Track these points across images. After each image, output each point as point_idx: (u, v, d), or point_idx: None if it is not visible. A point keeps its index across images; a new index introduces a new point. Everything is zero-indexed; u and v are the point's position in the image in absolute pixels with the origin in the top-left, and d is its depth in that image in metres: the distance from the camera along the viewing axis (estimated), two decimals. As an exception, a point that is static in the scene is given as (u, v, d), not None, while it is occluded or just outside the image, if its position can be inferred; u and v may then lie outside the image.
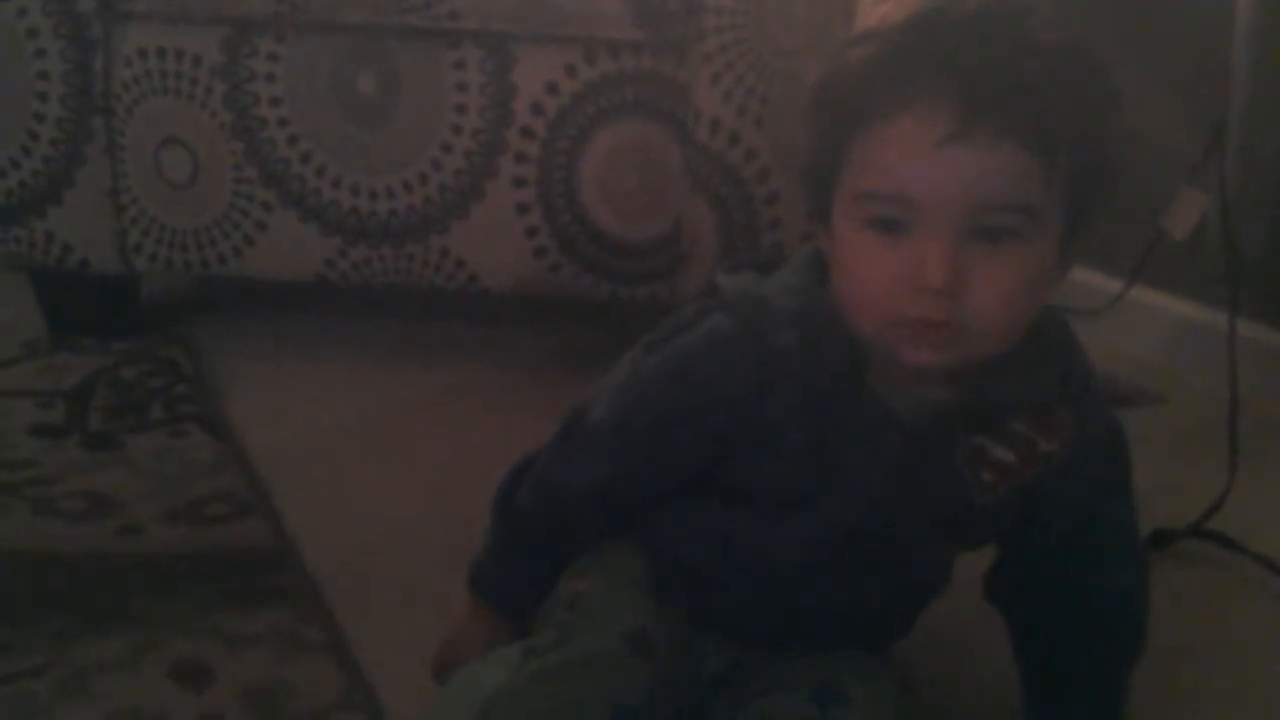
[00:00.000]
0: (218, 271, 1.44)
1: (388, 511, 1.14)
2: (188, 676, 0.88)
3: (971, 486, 0.76)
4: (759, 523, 0.79)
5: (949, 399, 0.74)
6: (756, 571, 0.80)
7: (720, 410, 0.76)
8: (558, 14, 1.32)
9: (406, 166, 1.38)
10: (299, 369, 1.45)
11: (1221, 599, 1.09)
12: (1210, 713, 0.94)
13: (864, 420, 0.75)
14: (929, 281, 0.66)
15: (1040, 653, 0.86)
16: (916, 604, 0.85)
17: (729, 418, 0.76)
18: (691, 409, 0.77)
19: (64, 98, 1.38)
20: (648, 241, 1.39)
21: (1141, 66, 1.51)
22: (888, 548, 0.79)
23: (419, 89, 1.36)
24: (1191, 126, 1.48)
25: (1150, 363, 1.55)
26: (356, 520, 1.12)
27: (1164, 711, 0.92)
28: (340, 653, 0.92)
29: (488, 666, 0.75)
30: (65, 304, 1.51)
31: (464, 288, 1.43)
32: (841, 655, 0.81)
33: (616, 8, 1.31)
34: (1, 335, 1.47)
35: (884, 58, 0.68)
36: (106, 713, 0.85)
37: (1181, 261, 1.52)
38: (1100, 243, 1.68)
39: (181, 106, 1.38)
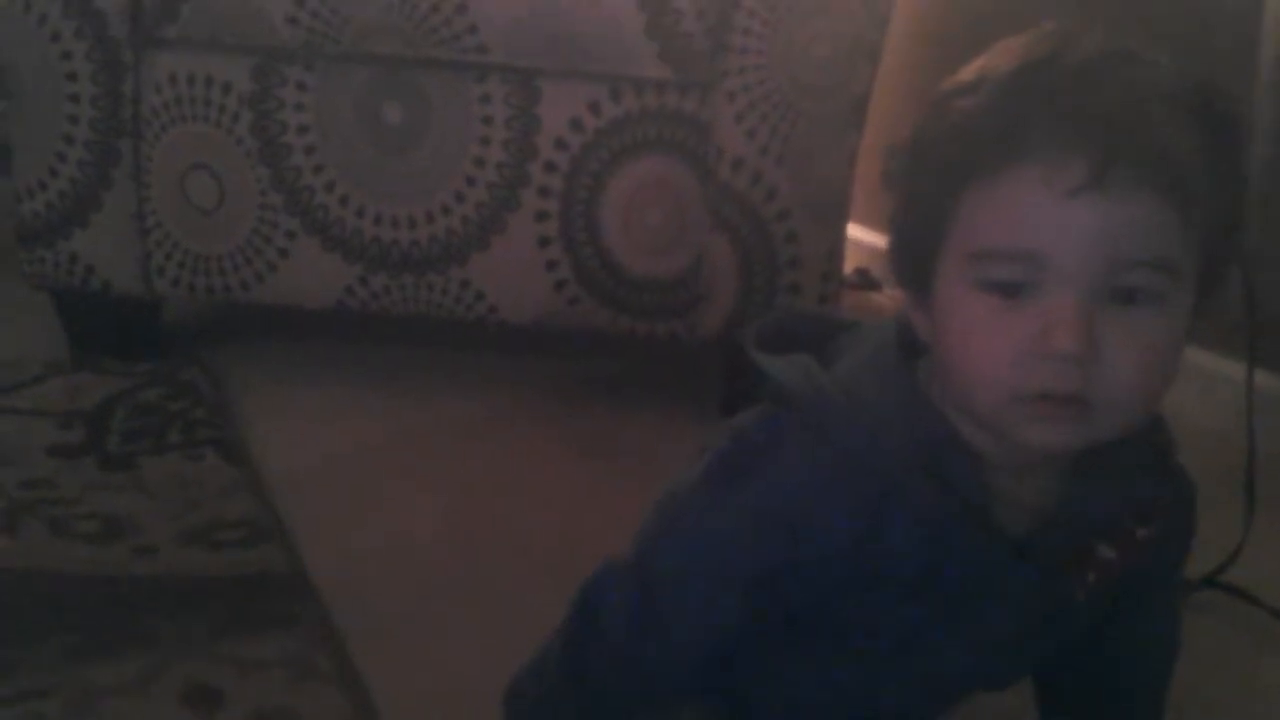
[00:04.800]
0: (240, 297, 1.45)
1: (401, 539, 1.14)
2: (198, 701, 0.88)
3: (1076, 589, 0.69)
4: (868, 667, 0.72)
5: (1057, 495, 0.68)
6: (860, 716, 0.74)
7: (824, 561, 0.66)
8: (584, 51, 1.33)
9: (429, 197, 1.39)
10: (317, 395, 1.45)
11: (1236, 651, 1.08)
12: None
13: (983, 552, 0.67)
14: (1059, 347, 0.58)
15: (1068, 705, 0.83)
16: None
17: (833, 567, 0.66)
18: (794, 561, 0.67)
19: (93, 121, 1.40)
20: (667, 277, 1.40)
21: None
22: (993, 672, 0.75)
23: (444, 120, 1.37)
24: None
25: (1167, 412, 1.54)
26: (370, 547, 1.12)
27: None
28: (349, 680, 0.92)
29: None
30: (88, 325, 1.52)
31: (483, 319, 1.43)
32: None
33: (643, 46, 1.32)
34: (24, 355, 1.48)
35: (996, 107, 0.61)
36: (115, 735, 0.85)
37: (1199, 311, 1.52)
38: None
39: (209, 133, 1.40)
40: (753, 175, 1.34)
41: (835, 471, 0.65)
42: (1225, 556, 1.16)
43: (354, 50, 1.35)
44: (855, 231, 1.77)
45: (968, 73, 0.64)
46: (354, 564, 1.09)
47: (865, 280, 1.95)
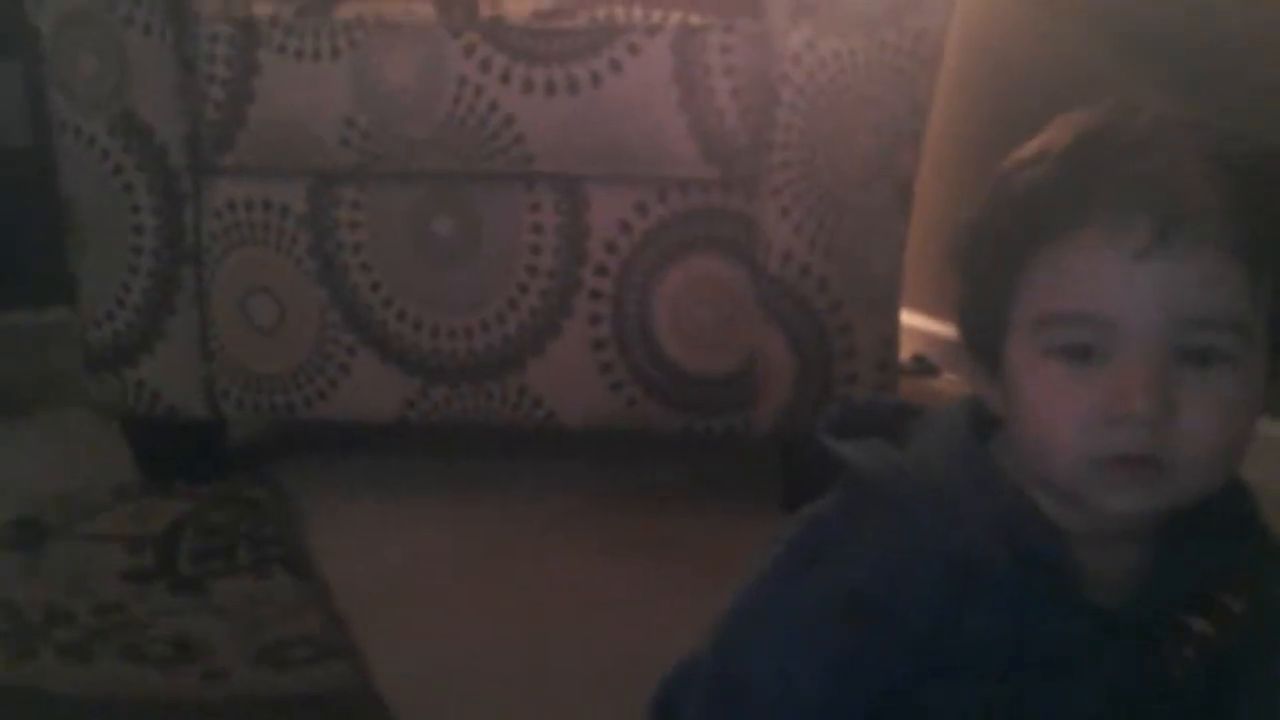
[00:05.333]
0: (304, 415, 1.47)
1: (473, 653, 1.14)
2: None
3: (1172, 667, 0.68)
4: None
5: (1138, 567, 0.67)
6: None
7: (910, 643, 0.66)
8: (629, 155, 1.35)
9: (484, 307, 1.41)
10: (382, 508, 1.46)
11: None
12: None
13: (1072, 627, 0.66)
14: (1132, 409, 0.59)
15: None
16: None
17: (919, 649, 0.66)
18: (878, 649, 0.66)
19: (156, 250, 1.44)
20: (722, 374, 1.40)
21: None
22: None
23: (495, 231, 1.39)
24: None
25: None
26: (438, 660, 1.12)
27: None
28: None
29: None
30: (155, 449, 1.54)
31: (543, 423, 1.44)
32: None
33: (686, 147, 1.34)
34: (92, 481, 1.51)
35: (1058, 176, 0.62)
36: None
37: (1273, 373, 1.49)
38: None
39: (268, 256, 1.43)
40: (801, 268, 1.35)
41: (915, 549, 0.65)
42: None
43: (405, 168, 1.38)
44: (910, 318, 1.77)
45: (1029, 149, 0.66)
46: (423, 678, 1.09)
47: (923, 366, 1.94)
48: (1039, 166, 0.64)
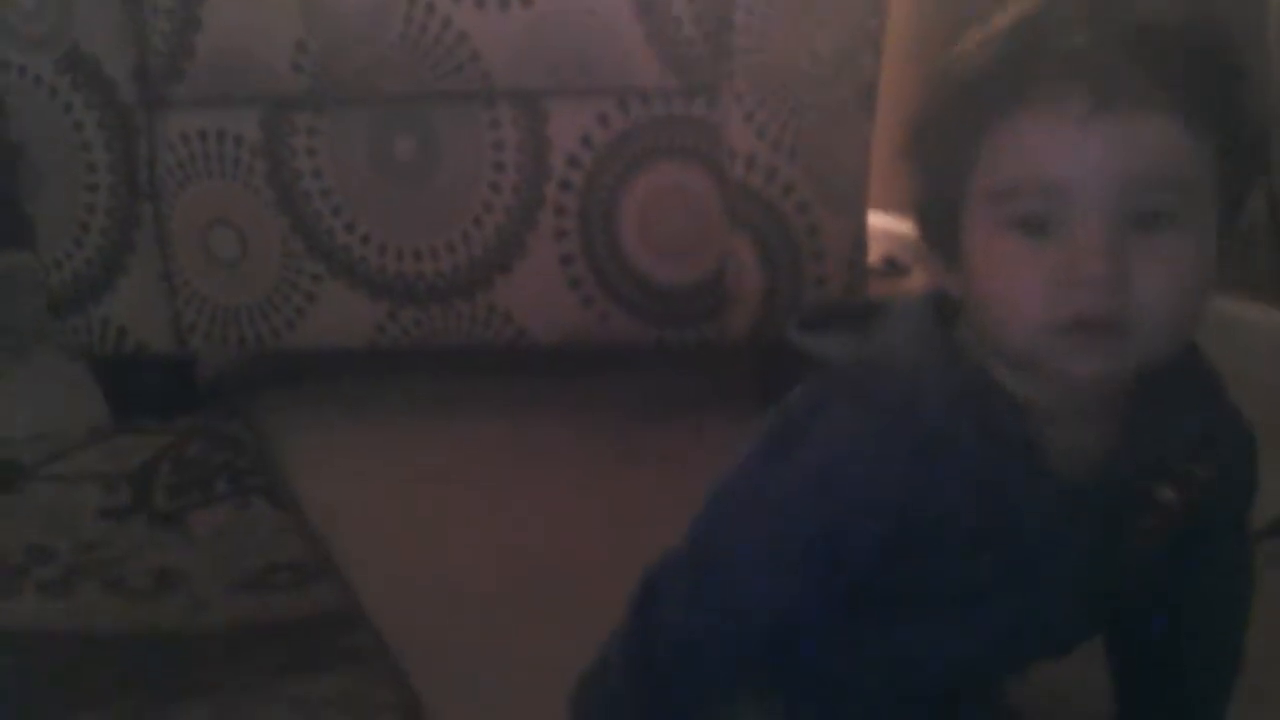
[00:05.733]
0: (272, 345, 1.46)
1: (454, 568, 1.14)
2: (265, 744, 0.89)
3: (1137, 533, 0.70)
4: (932, 630, 0.71)
5: (1107, 443, 0.68)
6: (928, 682, 0.74)
7: (882, 518, 0.67)
8: (587, 67, 1.33)
9: (449, 227, 1.40)
10: (358, 433, 1.46)
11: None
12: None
13: (1039, 497, 0.67)
14: (1088, 272, 0.60)
15: (1140, 669, 0.82)
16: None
17: (892, 524, 0.67)
18: (849, 524, 0.67)
19: (112, 187, 1.41)
20: (693, 283, 1.40)
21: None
22: (1059, 630, 0.74)
23: (456, 151, 1.38)
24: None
25: (1221, 364, 1.52)
26: (427, 579, 1.12)
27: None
28: (413, 713, 0.92)
29: None
30: (126, 388, 1.53)
31: (514, 342, 1.44)
32: None
33: (644, 56, 1.32)
34: (65, 423, 1.50)
35: (999, 58, 0.63)
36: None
37: (1236, 259, 1.50)
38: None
39: (226, 187, 1.41)
40: (767, 172, 1.34)
41: (883, 427, 0.66)
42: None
43: (360, 91, 1.36)
44: (879, 219, 1.76)
45: (968, 39, 0.66)
46: (410, 596, 1.09)
47: (894, 267, 1.94)
48: (979, 52, 0.65)
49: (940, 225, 0.68)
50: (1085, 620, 0.76)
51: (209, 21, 1.35)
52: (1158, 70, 0.61)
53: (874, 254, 1.62)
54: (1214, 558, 0.78)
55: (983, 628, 0.71)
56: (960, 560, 0.68)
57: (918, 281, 1.86)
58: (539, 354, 1.48)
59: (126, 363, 1.50)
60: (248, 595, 1.09)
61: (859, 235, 1.41)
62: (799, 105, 1.33)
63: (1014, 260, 0.63)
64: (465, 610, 1.07)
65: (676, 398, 1.52)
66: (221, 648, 1.01)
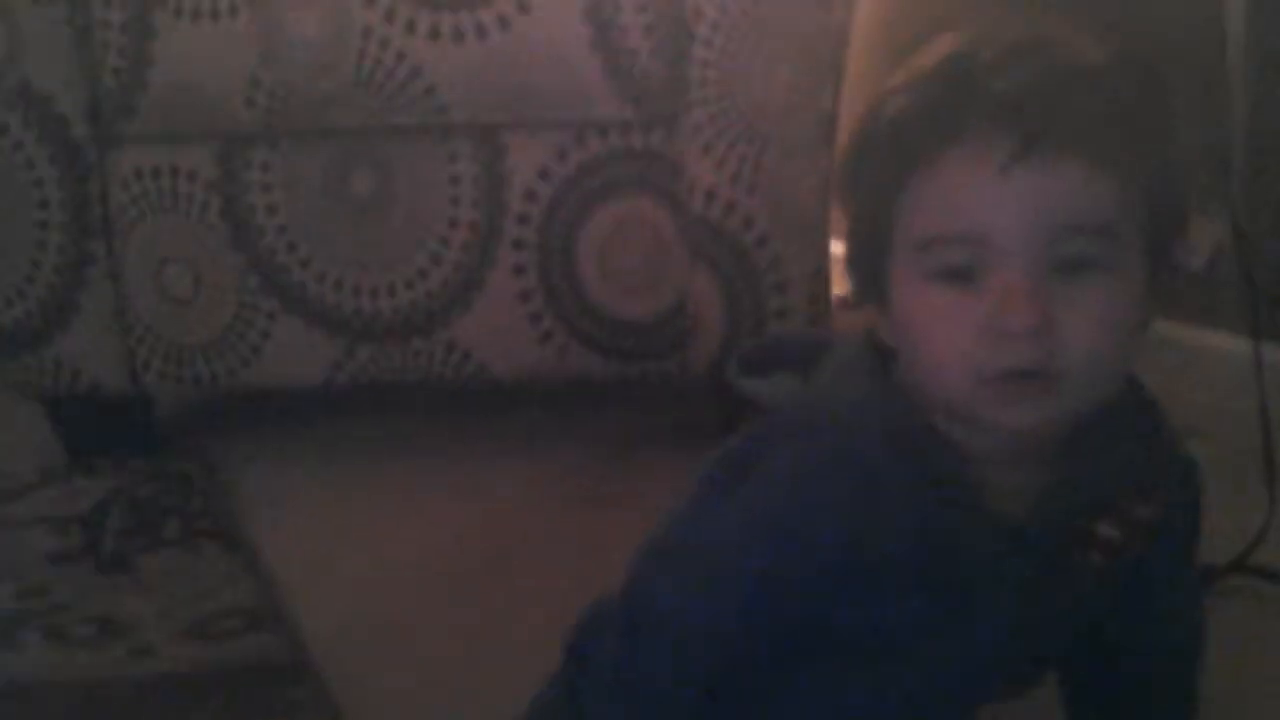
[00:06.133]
0: (227, 384, 1.44)
1: (408, 618, 1.12)
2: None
3: (1080, 573, 0.69)
4: (877, 678, 0.70)
5: (1046, 482, 0.67)
6: None
7: (823, 563, 0.65)
8: (544, 100, 1.32)
9: (406, 263, 1.38)
10: (317, 475, 1.43)
11: (1270, 636, 1.05)
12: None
13: (979, 538, 0.66)
14: (1014, 324, 0.60)
15: (1094, 710, 0.81)
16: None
17: (833, 569, 0.66)
18: (790, 569, 0.66)
19: (64, 225, 1.39)
20: (653, 317, 1.38)
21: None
22: (1011, 670, 0.73)
23: (413, 185, 1.36)
24: (1199, 151, 1.46)
25: (1182, 398, 1.51)
26: (376, 628, 1.10)
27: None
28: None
29: None
30: (81, 428, 1.50)
31: (473, 379, 1.42)
32: None
33: (601, 89, 1.31)
34: (18, 462, 1.47)
35: (925, 99, 0.63)
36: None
37: (1203, 291, 1.49)
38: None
39: (180, 223, 1.39)
40: (726, 205, 1.33)
41: (823, 469, 0.65)
42: (1252, 539, 1.13)
43: (315, 125, 1.35)
44: (841, 250, 1.75)
45: (898, 75, 0.66)
46: (358, 645, 1.07)
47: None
48: (907, 92, 0.64)
49: (868, 271, 0.67)
50: (1034, 662, 0.74)
51: (161, 57, 1.34)
52: (1082, 116, 0.60)
53: (837, 285, 1.61)
54: (1162, 596, 0.76)
55: (928, 671, 0.69)
56: (902, 603, 0.67)
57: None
58: (499, 391, 1.45)
59: (80, 402, 1.47)
60: (192, 643, 1.06)
61: (821, 267, 1.39)
62: (758, 138, 1.32)
63: (939, 312, 0.62)
64: (413, 660, 1.05)
65: (636, 434, 1.50)
66: (164, 698, 0.99)
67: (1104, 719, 0.81)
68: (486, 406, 1.55)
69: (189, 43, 1.33)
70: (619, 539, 1.20)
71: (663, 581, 0.69)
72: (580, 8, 1.28)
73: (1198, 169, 1.44)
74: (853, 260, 0.69)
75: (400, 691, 1.00)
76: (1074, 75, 0.61)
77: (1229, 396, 1.44)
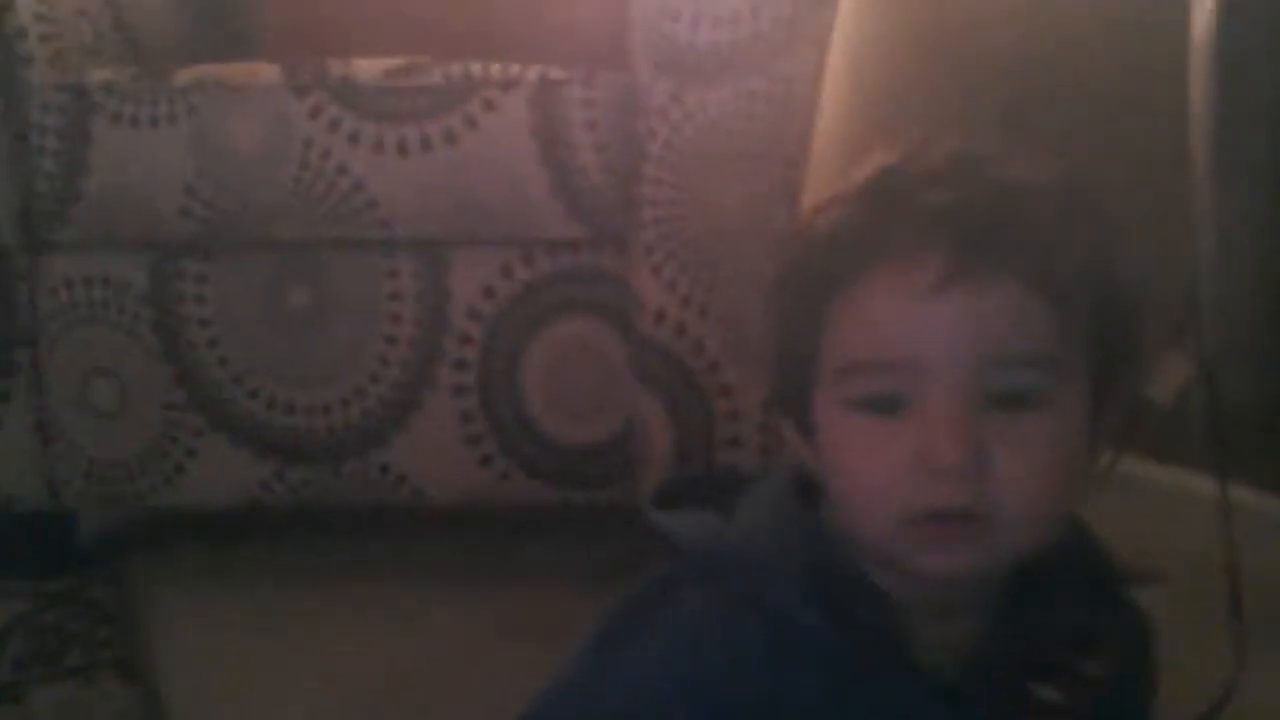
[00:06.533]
0: (151, 503, 1.37)
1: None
2: None
3: None
4: None
5: (973, 633, 0.62)
6: None
7: (731, 715, 0.60)
8: (490, 217, 1.28)
9: (342, 381, 1.32)
10: (238, 603, 1.35)
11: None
12: None
13: (905, 698, 0.61)
14: (941, 459, 0.55)
15: None
16: None
17: None
18: None
19: (-13, 333, 1.34)
20: (598, 443, 1.32)
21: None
22: None
23: (352, 300, 1.31)
24: (1168, 288, 1.43)
25: (1148, 539, 1.45)
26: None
27: None
28: None
29: None
30: (-4, 546, 1.43)
31: (409, 503, 1.35)
32: None
33: (550, 207, 1.27)
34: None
35: (853, 216, 0.59)
36: None
37: (1169, 428, 1.45)
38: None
39: (109, 335, 1.33)
40: (676, 329, 1.28)
41: (733, 618, 0.59)
42: (1220, 694, 1.06)
43: (253, 237, 1.30)
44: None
45: (830, 191, 0.62)
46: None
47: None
48: (835, 208, 0.60)
49: (794, 399, 0.62)
50: None
51: (96, 164, 1.30)
52: (1018, 234, 0.56)
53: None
54: None
55: None
56: None
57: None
58: (436, 517, 1.39)
59: (-3, 519, 1.40)
60: (73, 786, 0.98)
61: (774, 396, 1.34)
62: (710, 260, 1.28)
63: (865, 444, 0.57)
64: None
65: (578, 565, 1.42)
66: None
67: None
68: (423, 533, 1.47)
69: (126, 150, 1.30)
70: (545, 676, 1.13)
71: None
72: (528, 124, 1.25)
73: (1163, 304, 1.42)
74: (777, 387, 0.64)
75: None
76: (1011, 193, 0.57)
77: (1196, 540, 1.38)
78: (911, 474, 0.56)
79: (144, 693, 1.13)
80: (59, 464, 1.36)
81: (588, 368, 1.31)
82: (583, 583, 1.37)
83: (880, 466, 0.57)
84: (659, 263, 1.27)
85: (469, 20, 1.47)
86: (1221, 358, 1.36)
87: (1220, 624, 1.13)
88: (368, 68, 1.29)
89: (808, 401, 0.61)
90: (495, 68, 1.27)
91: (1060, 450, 0.57)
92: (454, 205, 1.27)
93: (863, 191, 0.59)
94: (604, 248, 1.29)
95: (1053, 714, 0.62)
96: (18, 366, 1.35)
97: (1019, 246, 0.56)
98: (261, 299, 1.32)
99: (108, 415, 1.35)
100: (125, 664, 1.19)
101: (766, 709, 0.59)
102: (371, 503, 1.35)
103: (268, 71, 1.30)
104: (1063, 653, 0.63)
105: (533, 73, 1.26)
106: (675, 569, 0.64)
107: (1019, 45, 1.58)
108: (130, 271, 1.32)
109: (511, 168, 1.26)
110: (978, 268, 0.55)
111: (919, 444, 0.55)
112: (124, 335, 1.33)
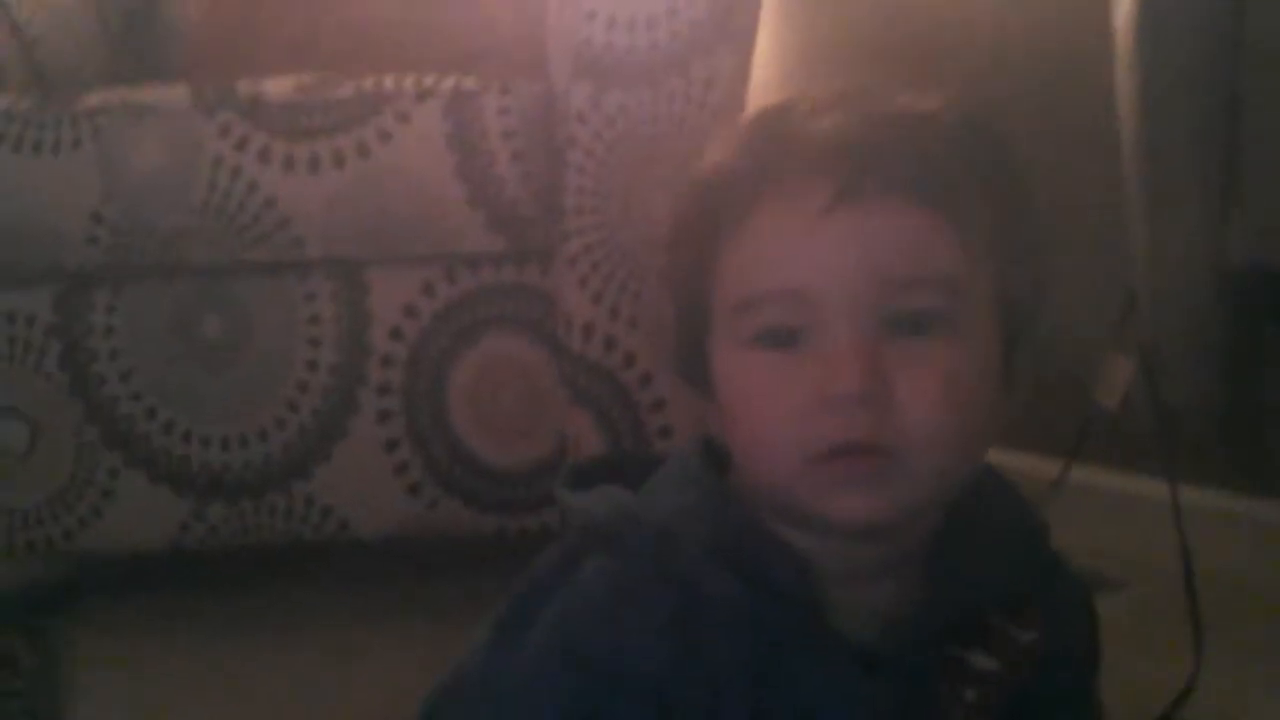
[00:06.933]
0: (65, 548, 1.31)
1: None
2: None
3: (955, 711, 0.59)
4: None
5: (900, 599, 0.58)
6: None
7: (634, 694, 0.56)
8: (407, 232, 1.23)
9: (261, 411, 1.27)
10: (160, 651, 1.28)
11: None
12: None
13: (822, 665, 0.57)
14: (841, 389, 0.52)
15: None
16: None
17: (646, 701, 0.56)
18: (594, 703, 0.56)
19: (-114, 374, 1.28)
20: (531, 465, 1.27)
21: (1052, 236, 1.45)
22: None
23: (268, 327, 1.26)
24: (1109, 289, 1.40)
25: (1103, 546, 1.42)
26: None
27: None
28: None
29: None
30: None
31: (336, 537, 1.29)
32: None
33: (468, 220, 1.22)
34: None
35: (740, 155, 0.57)
36: None
37: (1117, 433, 1.42)
38: (1029, 422, 1.57)
39: (14, 372, 1.28)
40: (606, 342, 1.23)
41: (636, 588, 0.56)
42: (1176, 695, 1.02)
43: (163, 263, 1.25)
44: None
45: (715, 143, 0.61)
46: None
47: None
48: (722, 152, 0.59)
49: (691, 354, 0.60)
50: None
51: (-2, 194, 1.25)
52: (908, 155, 0.53)
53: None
54: None
55: None
56: None
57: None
58: (365, 551, 1.33)
59: (-98, 573, 1.33)
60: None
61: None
62: (637, 270, 1.23)
63: (761, 382, 0.54)
64: None
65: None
66: None
67: None
68: (352, 568, 1.41)
69: (27, 178, 1.25)
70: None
71: None
72: (443, 134, 1.21)
73: (1102, 302, 1.39)
74: (676, 343, 0.62)
75: None
76: (901, 119, 0.55)
77: (1149, 545, 1.35)
78: (812, 409, 0.53)
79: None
80: (-34, 511, 1.30)
81: (517, 387, 1.26)
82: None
83: (780, 404, 0.54)
84: (585, 274, 1.23)
85: (388, 37, 1.43)
86: (1163, 349, 1.34)
87: (1178, 626, 1.09)
88: (278, 85, 1.25)
89: (705, 354, 0.58)
90: (409, 79, 1.23)
91: (966, 378, 0.54)
92: (369, 221, 1.23)
93: (748, 131, 0.58)
94: (528, 261, 1.25)
95: (983, 682, 0.58)
96: (-80, 409, 1.29)
97: (909, 164, 0.53)
98: (174, 328, 1.27)
99: (17, 456, 1.29)
100: (39, 716, 1.13)
101: (670, 682, 0.55)
102: (296, 538, 1.29)
103: (175, 92, 1.26)
104: (994, 618, 0.59)
105: (447, 83, 1.23)
106: (574, 541, 0.60)
107: (951, 46, 1.56)
108: (35, 304, 1.27)
109: (427, 180, 1.21)
110: (866, 188, 0.53)
111: (818, 375, 0.53)
112: (30, 372, 1.28)
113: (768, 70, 1.65)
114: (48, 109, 1.25)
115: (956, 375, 0.53)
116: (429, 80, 1.23)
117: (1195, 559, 1.14)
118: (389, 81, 1.23)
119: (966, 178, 0.55)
